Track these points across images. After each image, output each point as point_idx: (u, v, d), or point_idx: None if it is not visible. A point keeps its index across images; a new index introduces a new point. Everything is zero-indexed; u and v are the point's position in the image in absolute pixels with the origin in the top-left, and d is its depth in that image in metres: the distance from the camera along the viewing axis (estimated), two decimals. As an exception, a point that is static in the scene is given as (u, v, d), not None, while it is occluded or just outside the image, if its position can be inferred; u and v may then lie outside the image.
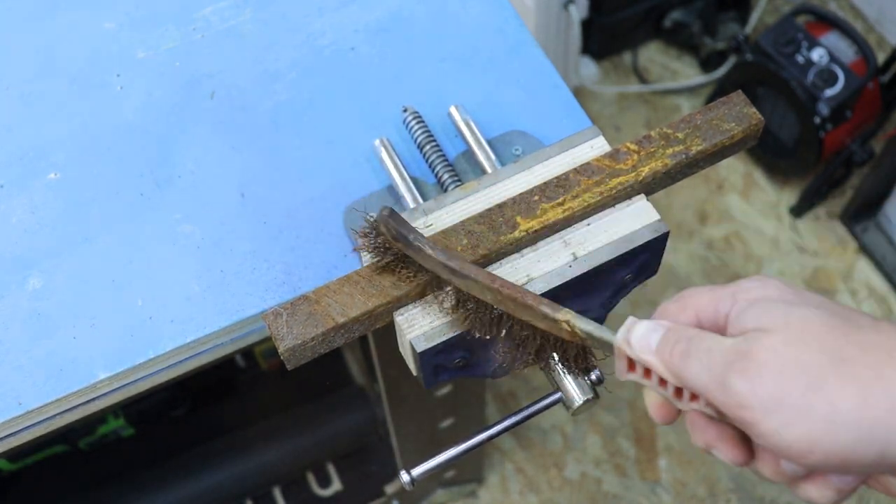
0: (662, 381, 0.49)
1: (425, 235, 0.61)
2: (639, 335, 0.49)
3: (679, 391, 0.48)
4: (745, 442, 0.48)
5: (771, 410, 0.42)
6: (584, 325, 0.54)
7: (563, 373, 0.62)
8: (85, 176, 0.74)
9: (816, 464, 0.42)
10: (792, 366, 0.43)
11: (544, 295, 0.61)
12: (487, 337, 0.59)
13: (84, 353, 0.66)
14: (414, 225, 0.64)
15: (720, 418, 0.48)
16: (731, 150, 0.67)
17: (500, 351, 0.62)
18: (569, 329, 0.54)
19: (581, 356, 0.59)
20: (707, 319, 0.49)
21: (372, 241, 0.61)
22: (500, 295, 0.57)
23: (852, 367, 0.42)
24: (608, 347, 0.52)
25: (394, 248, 0.61)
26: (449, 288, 0.60)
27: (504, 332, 0.59)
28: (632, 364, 0.50)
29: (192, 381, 0.76)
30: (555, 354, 0.60)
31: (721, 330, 0.48)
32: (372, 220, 0.62)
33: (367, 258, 0.63)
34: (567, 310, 0.55)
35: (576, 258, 0.62)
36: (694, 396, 0.48)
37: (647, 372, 0.49)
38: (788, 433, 0.42)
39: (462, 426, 1.11)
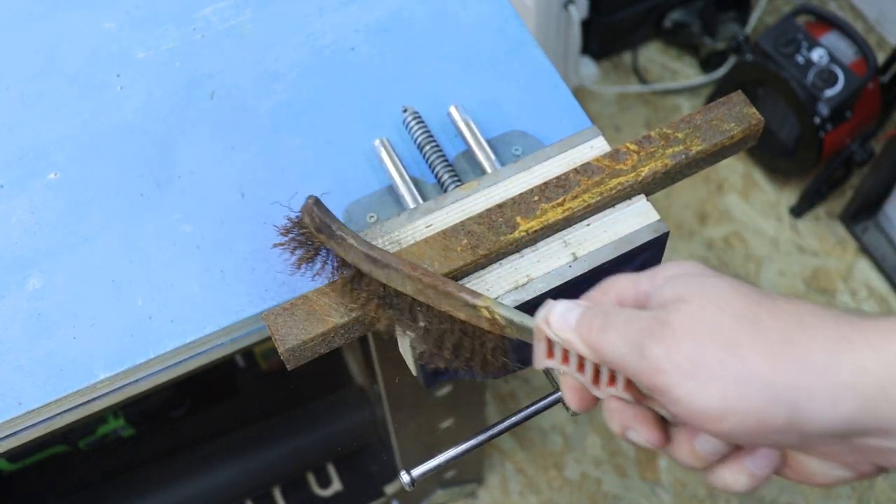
0: (580, 367, 0.49)
1: (350, 229, 0.60)
2: (558, 314, 0.49)
3: (597, 376, 0.48)
4: (662, 424, 0.48)
5: (686, 373, 0.42)
6: (504, 311, 0.53)
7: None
8: (85, 176, 0.74)
9: (730, 430, 0.42)
10: (707, 330, 0.43)
11: (544, 295, 0.61)
12: (408, 332, 0.58)
13: (84, 353, 0.66)
14: (414, 225, 0.64)
15: (637, 401, 0.48)
16: (730, 150, 0.67)
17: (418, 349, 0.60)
18: (489, 316, 0.54)
19: (499, 350, 0.57)
20: (628, 301, 0.49)
21: (294, 237, 0.61)
22: (420, 283, 0.56)
23: (764, 331, 0.43)
24: (528, 333, 0.51)
25: (315, 242, 0.60)
26: (367, 287, 0.59)
27: (423, 325, 0.57)
28: (550, 350, 0.50)
29: (192, 381, 0.76)
30: (471, 351, 0.58)
31: (642, 307, 0.48)
32: (294, 216, 0.62)
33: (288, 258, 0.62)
34: (486, 296, 0.54)
35: (576, 258, 0.62)
36: (612, 380, 0.48)
37: (566, 357, 0.49)
38: (703, 396, 0.42)
39: (462, 426, 1.11)
